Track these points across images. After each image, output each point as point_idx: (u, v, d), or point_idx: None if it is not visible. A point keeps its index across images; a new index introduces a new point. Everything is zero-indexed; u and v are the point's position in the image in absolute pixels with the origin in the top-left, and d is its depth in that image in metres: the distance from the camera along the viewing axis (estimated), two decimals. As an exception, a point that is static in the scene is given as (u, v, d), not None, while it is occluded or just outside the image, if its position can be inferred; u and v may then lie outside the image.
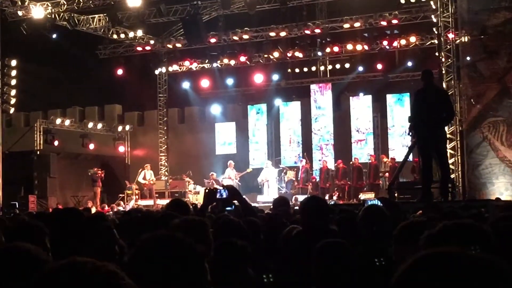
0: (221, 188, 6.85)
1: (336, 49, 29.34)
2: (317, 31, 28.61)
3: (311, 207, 5.30)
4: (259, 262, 4.39)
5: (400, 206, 8.19)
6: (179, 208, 6.36)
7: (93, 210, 21.61)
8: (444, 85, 22.67)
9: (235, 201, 6.78)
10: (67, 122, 31.93)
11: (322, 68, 32.56)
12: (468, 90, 21.79)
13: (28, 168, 29.12)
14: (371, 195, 24.57)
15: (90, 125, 32.61)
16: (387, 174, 26.28)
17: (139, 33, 30.07)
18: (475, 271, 1.62)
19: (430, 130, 13.32)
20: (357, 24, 27.86)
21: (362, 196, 24.35)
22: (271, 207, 10.67)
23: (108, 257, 3.78)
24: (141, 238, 2.50)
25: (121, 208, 26.85)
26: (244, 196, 6.84)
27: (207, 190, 6.98)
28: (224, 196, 6.54)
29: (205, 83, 33.08)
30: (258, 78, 32.02)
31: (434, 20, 24.66)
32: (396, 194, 16.98)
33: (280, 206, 8.63)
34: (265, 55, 30.55)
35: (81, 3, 25.95)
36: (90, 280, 1.71)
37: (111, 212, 20.65)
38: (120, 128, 34.06)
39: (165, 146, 33.38)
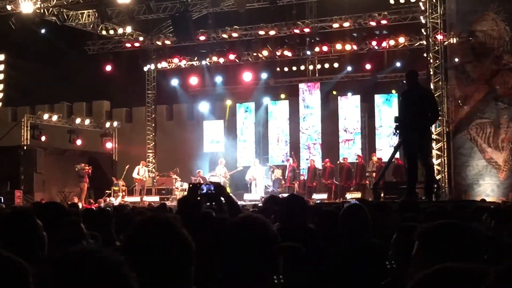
0: (206, 183, 6.82)
1: (325, 48, 29.32)
2: (307, 30, 28.62)
3: (289, 205, 5.31)
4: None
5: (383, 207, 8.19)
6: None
7: (80, 206, 21.59)
8: (432, 86, 22.72)
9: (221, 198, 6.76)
10: (55, 118, 31.78)
11: (311, 67, 32.59)
12: (455, 92, 21.88)
13: (14, 163, 28.96)
14: (357, 195, 24.63)
15: (78, 121, 32.45)
16: (374, 174, 26.31)
17: (128, 29, 29.96)
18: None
19: (415, 130, 13.40)
20: (346, 24, 27.87)
21: (349, 196, 24.43)
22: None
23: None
24: (134, 223, 2.62)
25: (113, 199, 27.06)
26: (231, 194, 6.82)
27: (190, 185, 6.96)
28: (205, 190, 6.51)
29: (193, 80, 33.01)
30: (247, 76, 31.99)
31: (423, 21, 24.70)
32: (382, 194, 17.00)
33: (268, 203, 8.68)
34: (254, 54, 30.51)
35: (70, -1, 25.89)
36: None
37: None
38: (108, 124, 33.93)
39: (153, 143, 33.32)
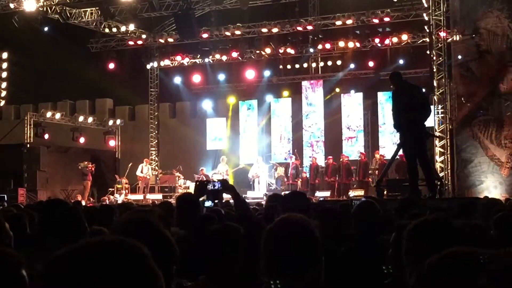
0: (213, 180, 6.81)
1: (328, 46, 29.33)
2: (309, 27, 28.60)
3: (290, 202, 5.31)
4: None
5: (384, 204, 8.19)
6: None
7: (83, 204, 21.61)
8: (435, 84, 22.78)
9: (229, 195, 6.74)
10: (58, 116, 31.82)
11: (313, 64, 32.57)
12: (459, 89, 21.88)
13: (17, 161, 28.95)
14: (360, 192, 24.63)
15: (81, 118, 32.49)
16: (377, 171, 26.29)
17: (131, 27, 30.01)
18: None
19: (410, 129, 13.44)
20: (349, 21, 27.82)
21: (352, 193, 24.42)
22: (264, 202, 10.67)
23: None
24: (117, 222, 2.66)
25: (117, 196, 27.14)
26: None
27: (198, 182, 6.96)
28: (216, 187, 6.49)
29: (196, 78, 33.05)
30: (250, 74, 32.00)
31: (426, 18, 24.69)
32: (385, 192, 16.99)
33: (272, 201, 8.68)
34: (257, 51, 30.51)
35: (73, -4, 25.91)
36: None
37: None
38: (111, 122, 33.96)
39: (156, 141, 33.32)
